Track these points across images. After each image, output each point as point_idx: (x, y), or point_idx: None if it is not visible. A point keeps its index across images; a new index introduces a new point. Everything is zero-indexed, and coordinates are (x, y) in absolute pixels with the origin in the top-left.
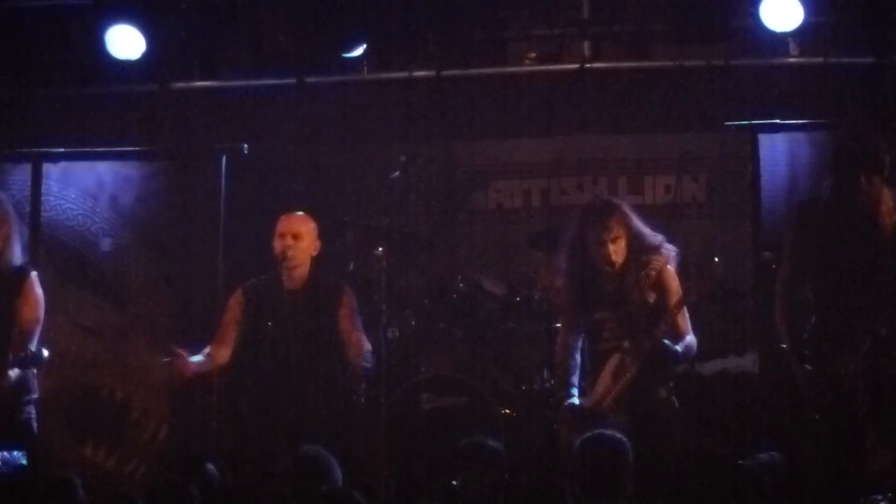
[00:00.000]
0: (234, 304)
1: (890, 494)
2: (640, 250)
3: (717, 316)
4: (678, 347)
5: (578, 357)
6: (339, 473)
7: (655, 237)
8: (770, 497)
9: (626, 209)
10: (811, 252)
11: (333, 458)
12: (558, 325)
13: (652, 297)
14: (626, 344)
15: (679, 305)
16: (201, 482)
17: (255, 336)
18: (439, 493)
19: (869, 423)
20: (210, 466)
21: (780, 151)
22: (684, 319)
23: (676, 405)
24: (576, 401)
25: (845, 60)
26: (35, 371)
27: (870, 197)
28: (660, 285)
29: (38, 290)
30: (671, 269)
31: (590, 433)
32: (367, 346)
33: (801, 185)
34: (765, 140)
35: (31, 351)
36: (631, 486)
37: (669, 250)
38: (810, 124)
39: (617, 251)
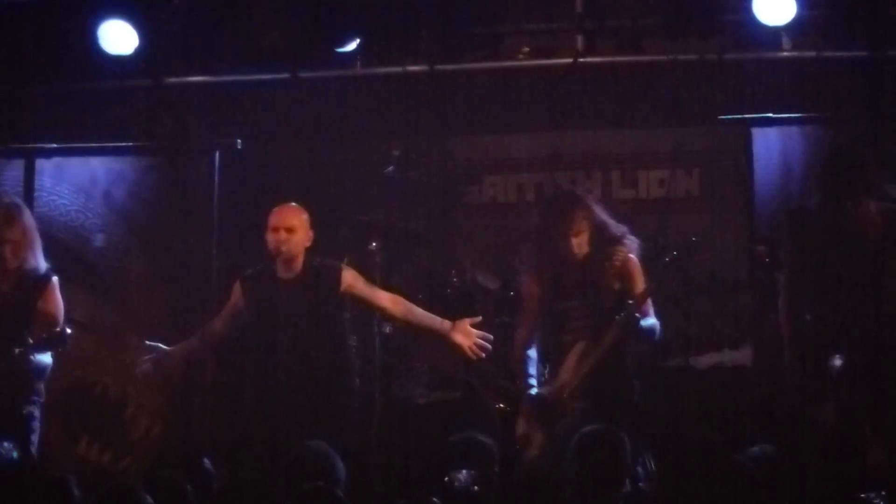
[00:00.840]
0: (236, 292)
1: (884, 492)
2: (603, 241)
3: (711, 309)
4: (645, 323)
5: (535, 352)
6: (342, 470)
7: (619, 227)
8: (761, 490)
9: (590, 200)
10: (806, 255)
11: (336, 454)
12: None
13: (617, 285)
14: (591, 332)
15: (646, 294)
16: (198, 478)
17: (252, 327)
18: (433, 488)
19: (866, 420)
20: (206, 462)
21: (773, 145)
22: (648, 308)
23: (639, 390)
24: (534, 391)
25: (838, 54)
26: (51, 367)
27: (855, 217)
28: (624, 274)
29: (59, 295)
30: (634, 258)
31: (590, 427)
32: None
33: (795, 178)
34: (758, 134)
35: (55, 330)
36: (628, 482)
37: (633, 241)
38: (804, 118)
39: (580, 244)
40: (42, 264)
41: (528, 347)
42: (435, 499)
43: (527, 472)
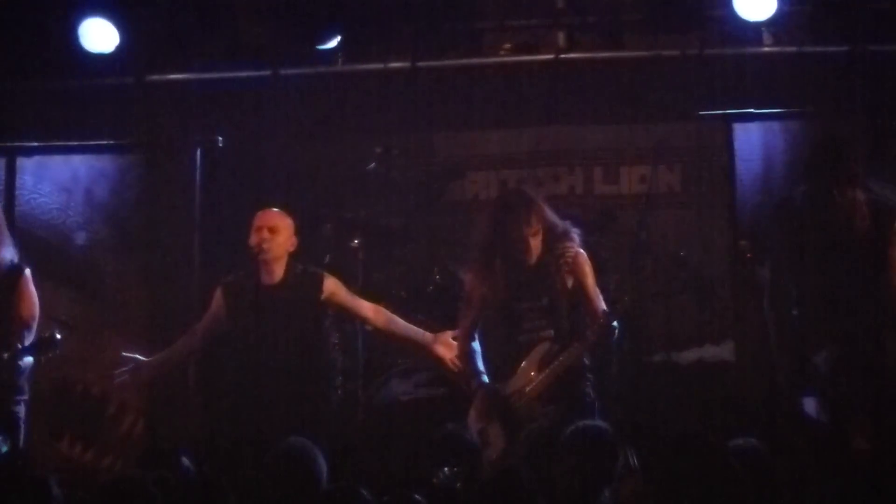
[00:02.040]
0: (217, 299)
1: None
2: (554, 239)
3: (693, 305)
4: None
5: (478, 345)
6: (323, 467)
7: (564, 223)
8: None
9: (540, 200)
10: (793, 248)
11: (319, 451)
12: None
13: (570, 283)
14: (551, 333)
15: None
16: (176, 476)
17: (234, 332)
18: (417, 485)
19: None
20: (185, 460)
21: (754, 140)
22: (600, 301)
23: (595, 399)
24: (486, 380)
25: (819, 49)
26: (34, 366)
27: (843, 207)
28: (576, 270)
29: (33, 288)
30: (583, 252)
31: (581, 424)
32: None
33: (776, 174)
34: (739, 129)
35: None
36: (615, 481)
37: (576, 233)
38: (785, 113)
39: (537, 245)
40: (12, 257)
41: (471, 340)
42: (417, 496)
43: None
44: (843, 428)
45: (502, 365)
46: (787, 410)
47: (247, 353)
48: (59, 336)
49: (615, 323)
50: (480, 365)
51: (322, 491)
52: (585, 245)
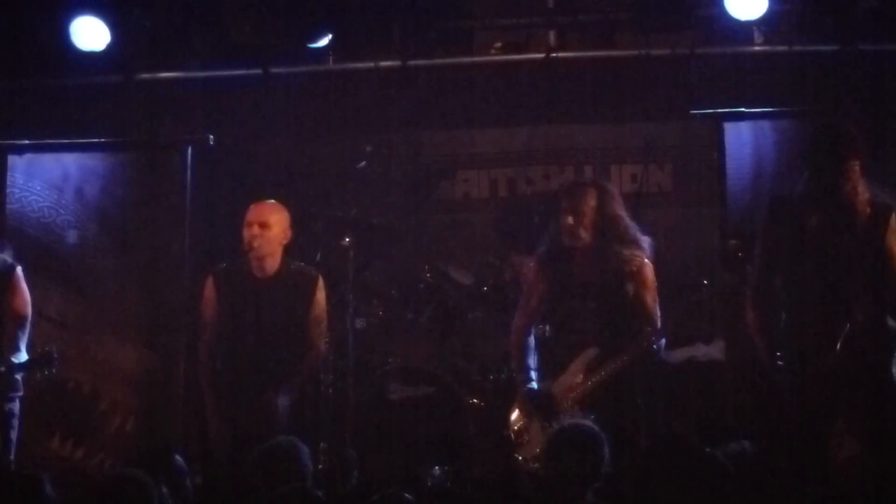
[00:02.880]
0: (209, 297)
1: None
2: (617, 239)
3: (684, 303)
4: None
5: (533, 341)
6: (309, 464)
7: (635, 228)
8: (736, 485)
9: (609, 189)
10: (784, 247)
11: (306, 449)
12: None
13: (630, 292)
14: (603, 338)
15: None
16: (170, 475)
17: (224, 323)
18: (407, 483)
19: (840, 412)
20: (178, 459)
21: (745, 139)
22: (656, 317)
23: (642, 406)
24: (535, 385)
25: (809, 48)
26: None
27: (850, 183)
28: (638, 280)
29: (25, 286)
30: (650, 265)
31: (567, 422)
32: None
33: (767, 172)
34: (730, 128)
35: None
36: (600, 480)
37: (648, 243)
38: (775, 112)
39: (577, 226)
40: (3, 255)
41: (527, 335)
42: (407, 494)
43: (524, 469)
44: (825, 432)
45: (551, 364)
46: (773, 411)
47: (236, 345)
48: (56, 354)
49: (662, 342)
50: (531, 361)
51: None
52: (656, 257)
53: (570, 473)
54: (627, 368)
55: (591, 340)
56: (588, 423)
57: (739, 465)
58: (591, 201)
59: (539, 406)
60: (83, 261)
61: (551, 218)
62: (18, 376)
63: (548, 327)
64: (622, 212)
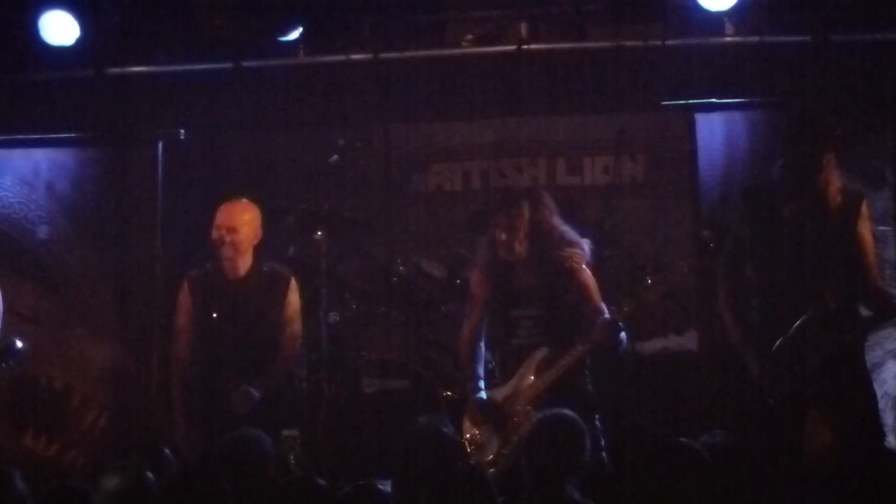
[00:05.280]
0: (185, 301)
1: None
2: (556, 243)
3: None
4: (622, 337)
5: (481, 349)
6: (271, 453)
7: (572, 232)
8: (711, 476)
9: (544, 198)
10: (756, 235)
11: (269, 440)
12: None
13: (571, 292)
14: (549, 338)
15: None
16: (159, 467)
17: (199, 325)
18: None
19: (812, 401)
20: (167, 452)
21: (716, 130)
22: (603, 310)
23: (595, 393)
24: (484, 395)
25: (781, 39)
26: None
27: (824, 172)
28: (579, 278)
29: None
30: (587, 262)
31: (549, 412)
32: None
33: (738, 163)
34: (702, 119)
35: (2, 342)
36: (583, 471)
37: (586, 243)
38: (747, 103)
39: (516, 241)
40: None
41: (478, 341)
42: (380, 485)
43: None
44: (805, 420)
45: (500, 370)
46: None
47: (210, 346)
48: (20, 344)
49: (623, 334)
50: (481, 370)
51: (279, 482)
52: (593, 258)
53: (550, 464)
54: (580, 362)
55: (539, 343)
56: (568, 412)
57: (714, 455)
58: (525, 214)
59: (491, 415)
60: (55, 256)
61: (487, 230)
62: None
63: (494, 335)
64: (555, 219)
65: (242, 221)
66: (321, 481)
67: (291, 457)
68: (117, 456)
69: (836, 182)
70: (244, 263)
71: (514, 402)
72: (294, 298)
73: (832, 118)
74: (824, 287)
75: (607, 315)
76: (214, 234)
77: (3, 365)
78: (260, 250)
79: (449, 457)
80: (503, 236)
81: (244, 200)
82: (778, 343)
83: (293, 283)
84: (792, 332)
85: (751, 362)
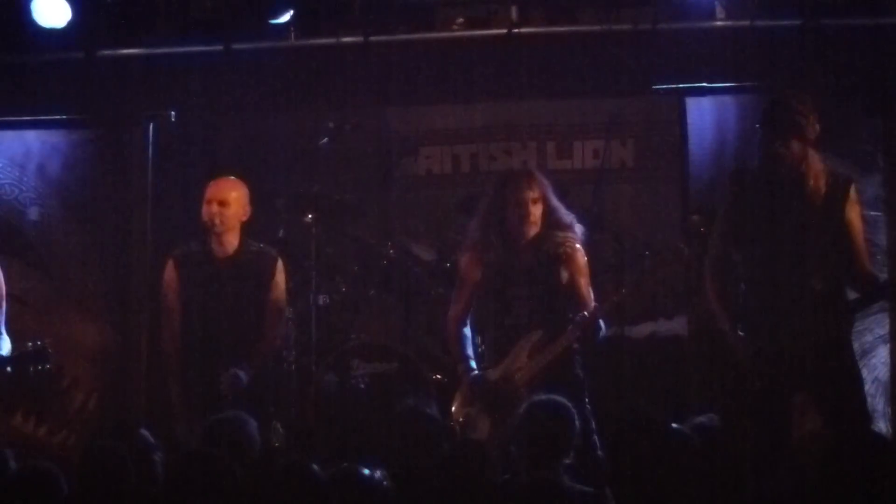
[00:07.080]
0: (170, 282)
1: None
2: (553, 225)
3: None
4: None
5: (469, 330)
6: (255, 436)
7: (568, 215)
8: (700, 458)
9: (545, 180)
10: (742, 219)
11: (254, 423)
12: None
13: (565, 276)
14: (545, 321)
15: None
16: (137, 449)
17: (187, 305)
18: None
19: (799, 386)
20: (144, 432)
21: (707, 115)
22: (590, 298)
23: (584, 378)
24: (477, 373)
25: (772, 23)
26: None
27: (793, 161)
28: (571, 265)
29: None
30: (581, 249)
31: (540, 396)
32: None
33: (729, 147)
34: (692, 103)
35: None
36: (572, 454)
37: (580, 229)
38: (737, 87)
39: (537, 215)
40: None
41: (463, 325)
42: (365, 469)
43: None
44: (787, 405)
45: (492, 350)
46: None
47: (197, 326)
48: (50, 350)
49: (601, 322)
50: (469, 350)
51: (274, 468)
52: (586, 242)
53: (541, 447)
54: (570, 347)
55: (532, 324)
56: (558, 397)
57: (704, 439)
58: (536, 192)
59: (483, 393)
60: (45, 238)
61: (483, 208)
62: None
63: (486, 315)
64: (555, 201)
65: (233, 196)
66: (315, 467)
67: (275, 442)
68: (95, 437)
69: (816, 167)
70: (232, 240)
71: (507, 382)
72: (281, 279)
73: (803, 105)
74: (811, 271)
75: (594, 303)
76: (205, 210)
77: (32, 369)
78: (247, 229)
79: (433, 438)
80: (518, 212)
81: (232, 178)
82: (765, 328)
83: (280, 265)
84: (779, 317)
85: (738, 346)
